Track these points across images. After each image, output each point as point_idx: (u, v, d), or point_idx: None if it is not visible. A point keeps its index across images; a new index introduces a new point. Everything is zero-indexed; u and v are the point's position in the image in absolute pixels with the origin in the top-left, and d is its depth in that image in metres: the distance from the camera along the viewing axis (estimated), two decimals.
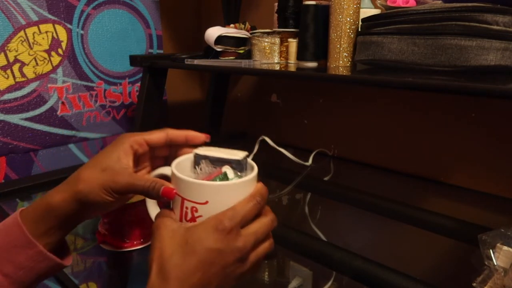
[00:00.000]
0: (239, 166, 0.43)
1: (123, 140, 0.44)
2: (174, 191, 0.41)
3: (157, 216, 0.42)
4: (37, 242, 0.42)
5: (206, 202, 0.40)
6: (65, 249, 0.47)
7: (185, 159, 0.46)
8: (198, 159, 0.44)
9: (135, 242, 0.64)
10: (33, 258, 0.42)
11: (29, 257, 0.42)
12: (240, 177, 0.42)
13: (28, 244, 0.41)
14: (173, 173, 0.42)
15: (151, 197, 0.43)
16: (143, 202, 0.62)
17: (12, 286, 0.42)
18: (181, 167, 0.44)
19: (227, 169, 0.43)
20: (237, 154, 0.44)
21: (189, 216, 0.41)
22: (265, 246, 0.42)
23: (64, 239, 0.46)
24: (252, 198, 0.40)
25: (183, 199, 0.41)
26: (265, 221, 0.41)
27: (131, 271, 0.62)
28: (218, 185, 0.40)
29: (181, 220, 0.42)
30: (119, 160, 0.43)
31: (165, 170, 0.44)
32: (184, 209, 0.41)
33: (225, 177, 0.42)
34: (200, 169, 0.44)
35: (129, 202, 0.60)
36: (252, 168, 0.43)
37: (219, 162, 0.44)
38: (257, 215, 0.41)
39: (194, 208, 0.40)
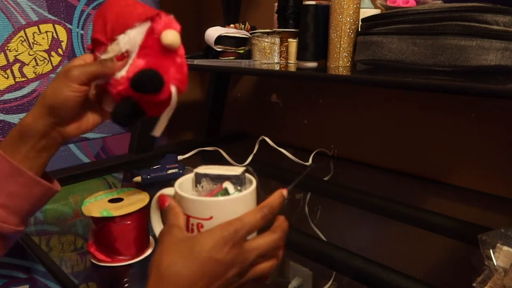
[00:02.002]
0: (238, 181, 0.45)
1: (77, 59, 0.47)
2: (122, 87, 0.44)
3: (166, 224, 0.42)
4: (23, 168, 0.43)
5: (211, 218, 0.42)
6: (50, 178, 0.48)
7: (186, 179, 0.48)
8: (198, 178, 0.46)
9: (120, 258, 0.61)
10: (24, 185, 0.43)
11: (20, 184, 0.43)
12: (240, 191, 0.44)
13: (16, 171, 0.43)
14: (176, 193, 0.44)
15: (108, 70, 0.44)
16: (128, 217, 0.60)
17: (12, 215, 0.43)
18: (183, 186, 0.46)
19: (227, 185, 0.45)
20: (236, 170, 0.46)
21: (195, 232, 0.43)
22: (265, 266, 0.41)
23: (45, 171, 0.47)
24: (260, 210, 0.40)
25: (188, 216, 0.43)
26: (271, 239, 0.40)
27: (131, 273, 0.62)
28: (221, 200, 0.42)
29: None
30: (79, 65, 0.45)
31: (167, 191, 0.46)
32: (190, 226, 0.43)
33: (226, 192, 0.44)
34: (202, 187, 0.46)
35: (113, 215, 0.59)
36: (251, 182, 0.45)
37: (219, 179, 0.46)
38: (266, 227, 0.41)
39: (200, 224, 0.42)
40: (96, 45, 0.47)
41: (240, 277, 0.39)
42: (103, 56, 0.45)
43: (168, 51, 0.42)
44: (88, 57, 0.47)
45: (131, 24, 0.44)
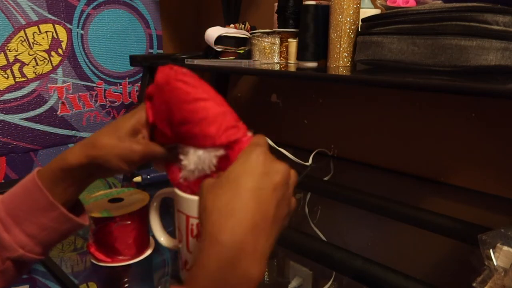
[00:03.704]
0: None
1: (142, 108, 0.44)
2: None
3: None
4: (57, 203, 0.42)
5: None
6: (80, 207, 0.48)
7: None
8: None
9: (120, 258, 0.61)
10: (56, 220, 0.43)
11: (52, 219, 0.43)
12: None
13: (50, 206, 0.42)
14: (176, 193, 0.44)
15: (167, 160, 0.43)
16: (128, 217, 0.60)
17: (37, 246, 0.43)
18: None
19: None
20: None
21: (195, 232, 0.43)
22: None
23: (78, 199, 0.47)
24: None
25: (188, 216, 0.43)
26: None
27: (131, 273, 0.62)
28: None
29: (187, 237, 0.43)
30: (135, 131, 0.43)
31: (166, 191, 0.46)
32: (190, 226, 0.43)
33: None
34: None
35: (113, 215, 0.59)
36: None
37: None
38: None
39: (200, 224, 0.41)
40: (159, 132, 0.44)
41: (288, 186, 0.36)
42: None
43: None
44: (141, 115, 0.44)
45: (201, 143, 0.40)
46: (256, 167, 0.34)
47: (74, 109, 1.09)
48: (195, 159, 0.40)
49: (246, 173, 0.34)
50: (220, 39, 0.89)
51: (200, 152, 0.40)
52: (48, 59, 1.02)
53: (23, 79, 0.99)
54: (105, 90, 1.15)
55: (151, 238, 0.66)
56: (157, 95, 0.42)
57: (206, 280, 0.30)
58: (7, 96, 0.97)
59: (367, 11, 0.74)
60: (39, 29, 1.00)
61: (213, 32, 0.89)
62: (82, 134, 1.12)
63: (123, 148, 0.42)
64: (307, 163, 1.00)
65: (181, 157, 0.42)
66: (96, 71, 1.13)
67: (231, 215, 0.31)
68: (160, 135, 0.43)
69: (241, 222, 0.31)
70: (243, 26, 0.95)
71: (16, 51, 0.97)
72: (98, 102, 1.14)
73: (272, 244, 0.33)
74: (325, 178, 0.94)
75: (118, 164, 0.42)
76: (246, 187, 0.33)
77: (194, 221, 0.42)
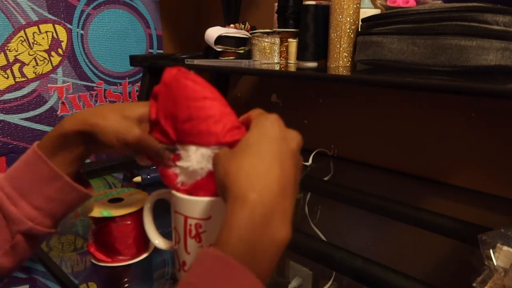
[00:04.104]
0: None
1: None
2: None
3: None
4: (61, 172, 0.43)
5: (210, 218, 0.41)
6: (85, 181, 0.48)
7: None
8: None
9: (120, 258, 0.61)
10: (61, 190, 0.44)
11: (57, 189, 0.43)
12: None
13: (54, 176, 0.43)
14: (173, 194, 0.43)
15: (159, 158, 0.44)
16: (128, 217, 0.60)
17: (46, 218, 0.44)
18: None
19: None
20: None
21: (194, 232, 0.42)
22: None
23: (81, 173, 0.48)
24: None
25: (186, 217, 0.42)
26: None
27: (131, 273, 0.62)
28: (219, 200, 0.41)
29: (185, 238, 0.43)
30: (141, 119, 0.44)
31: (159, 193, 0.45)
32: (188, 226, 0.42)
33: None
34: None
35: (113, 215, 0.59)
36: None
37: None
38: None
39: (198, 225, 0.41)
40: (160, 129, 0.44)
41: (299, 153, 0.36)
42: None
43: None
44: (143, 108, 0.45)
45: (205, 140, 0.40)
46: (273, 132, 0.34)
47: (74, 109, 1.09)
48: (197, 157, 0.41)
49: (265, 138, 0.34)
50: (220, 39, 0.89)
51: (203, 150, 0.40)
52: (48, 59, 1.02)
53: (23, 79, 0.99)
54: (105, 90, 1.15)
55: None
56: (163, 92, 0.43)
57: (237, 242, 0.30)
58: (7, 96, 0.97)
59: (367, 11, 0.74)
60: (39, 29, 1.00)
61: (213, 32, 0.89)
62: None
63: (123, 126, 0.43)
64: (307, 163, 1.00)
65: (181, 158, 0.42)
66: (96, 71, 1.13)
67: (259, 177, 0.31)
68: (159, 133, 0.44)
69: (269, 184, 0.31)
70: (243, 26, 0.95)
71: (16, 51, 0.97)
72: (98, 102, 1.14)
73: (293, 209, 0.34)
74: (325, 178, 0.94)
75: (112, 139, 0.42)
76: (268, 150, 0.33)
77: (192, 222, 0.42)
